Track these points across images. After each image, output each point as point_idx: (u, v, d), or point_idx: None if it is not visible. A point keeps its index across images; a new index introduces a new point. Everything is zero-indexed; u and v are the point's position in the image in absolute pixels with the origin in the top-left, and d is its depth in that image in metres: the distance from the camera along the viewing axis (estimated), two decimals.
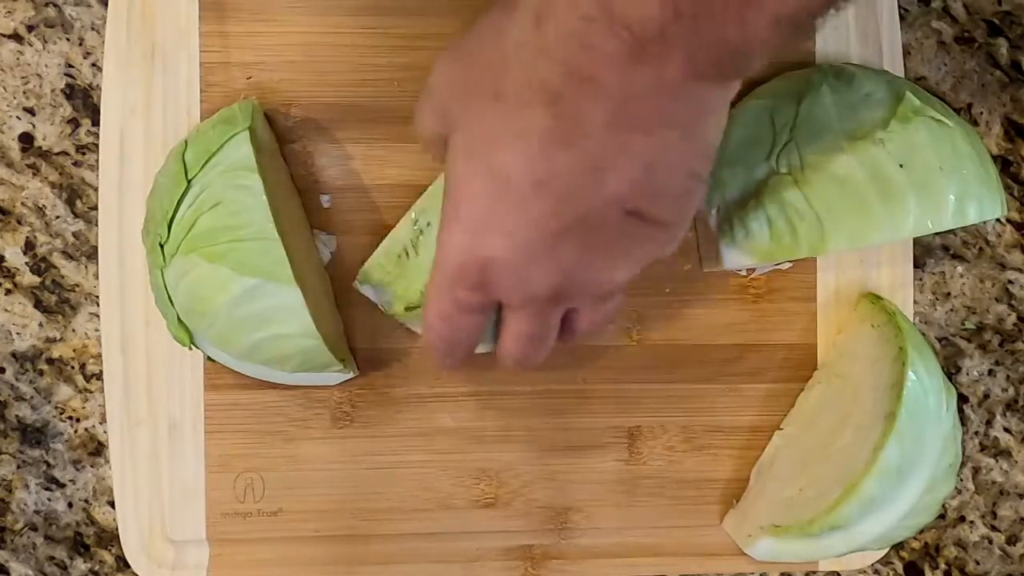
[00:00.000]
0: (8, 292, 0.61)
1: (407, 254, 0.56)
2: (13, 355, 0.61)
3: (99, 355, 0.61)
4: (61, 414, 0.61)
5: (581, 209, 0.45)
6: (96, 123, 0.60)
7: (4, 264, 0.61)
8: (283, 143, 0.60)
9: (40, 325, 0.61)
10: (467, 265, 0.48)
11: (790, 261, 0.63)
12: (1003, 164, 0.66)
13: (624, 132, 0.43)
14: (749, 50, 0.41)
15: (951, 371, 0.66)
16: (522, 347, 0.51)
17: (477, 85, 0.46)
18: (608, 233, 0.47)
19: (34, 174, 0.61)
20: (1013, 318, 0.66)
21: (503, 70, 0.45)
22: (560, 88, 0.43)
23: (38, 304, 0.61)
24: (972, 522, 0.66)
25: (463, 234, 0.47)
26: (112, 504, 0.61)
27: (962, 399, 0.66)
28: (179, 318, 0.54)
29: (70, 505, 0.61)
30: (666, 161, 0.45)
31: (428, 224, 0.55)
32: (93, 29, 0.61)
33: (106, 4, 0.59)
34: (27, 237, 0.61)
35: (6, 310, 0.61)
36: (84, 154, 0.61)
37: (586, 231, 0.46)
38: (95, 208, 0.61)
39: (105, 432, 0.61)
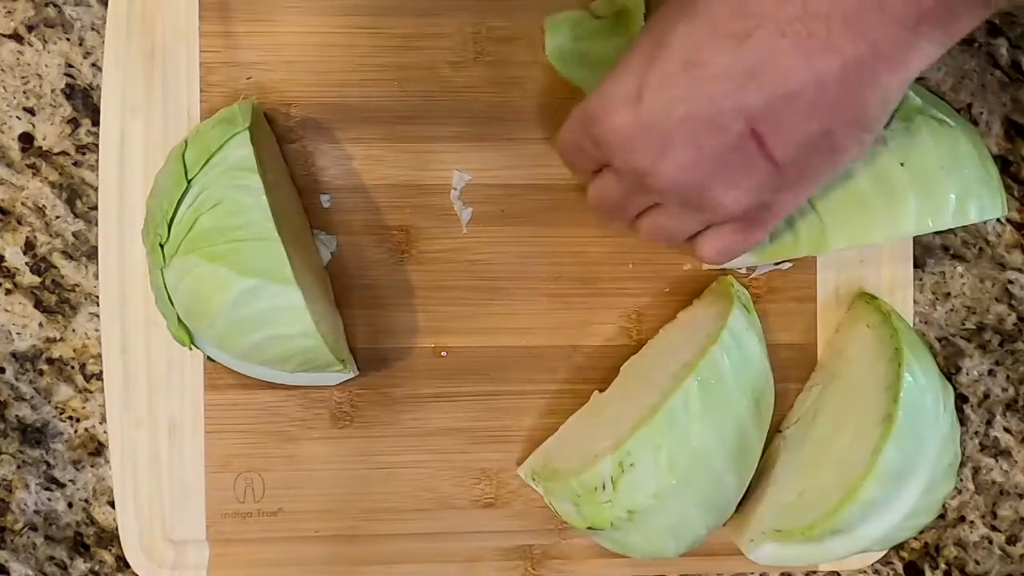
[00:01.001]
0: (8, 292, 0.61)
1: (604, 487, 0.56)
2: (13, 355, 0.61)
3: (99, 355, 0.61)
4: (61, 414, 0.61)
5: (711, 107, 0.45)
6: (96, 123, 0.60)
7: (4, 264, 0.61)
8: (283, 143, 0.60)
9: (40, 325, 0.61)
10: (594, 114, 0.49)
11: (790, 260, 0.63)
12: (1003, 164, 0.66)
13: (796, 47, 0.43)
14: None
15: (951, 371, 0.66)
16: (648, 231, 0.54)
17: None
18: (724, 143, 0.46)
19: (34, 174, 0.61)
20: (1013, 318, 0.66)
21: None
22: None
23: (38, 304, 0.61)
24: (972, 522, 0.66)
25: (610, 84, 0.48)
26: (112, 504, 0.61)
27: (962, 399, 0.66)
28: (179, 318, 0.54)
29: (70, 505, 0.61)
30: (815, 101, 0.44)
31: (632, 465, 0.55)
32: (93, 29, 0.61)
33: (106, 4, 0.59)
34: (27, 237, 0.61)
35: (6, 310, 0.61)
36: (84, 154, 0.61)
37: (706, 131, 0.46)
38: (95, 208, 0.61)
39: (105, 432, 0.61)
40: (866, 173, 0.56)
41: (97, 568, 0.62)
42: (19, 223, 0.61)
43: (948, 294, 0.66)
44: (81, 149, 0.61)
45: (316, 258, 0.60)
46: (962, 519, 0.66)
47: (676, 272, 0.63)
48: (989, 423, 0.66)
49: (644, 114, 0.47)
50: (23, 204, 0.61)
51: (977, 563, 0.67)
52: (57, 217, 0.61)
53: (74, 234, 0.61)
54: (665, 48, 0.46)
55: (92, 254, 0.61)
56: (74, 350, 0.61)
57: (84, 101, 0.61)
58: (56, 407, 0.61)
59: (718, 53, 0.45)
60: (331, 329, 0.58)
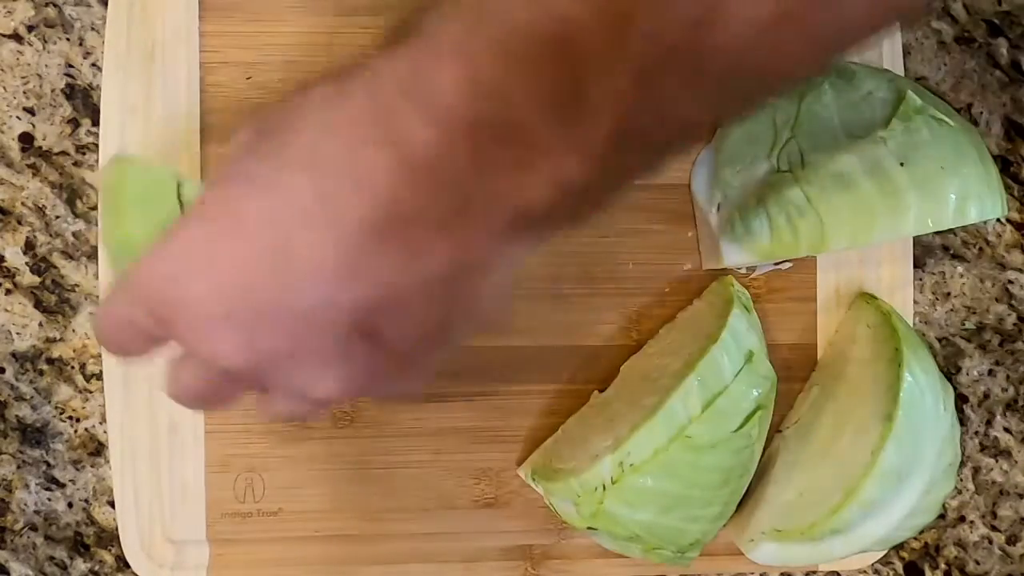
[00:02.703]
0: (8, 292, 0.61)
1: (604, 487, 0.56)
2: (13, 355, 0.61)
3: (99, 355, 0.61)
4: (61, 414, 0.61)
5: (305, 300, 0.38)
6: (96, 123, 0.60)
7: (4, 264, 0.61)
8: None
9: (40, 325, 0.61)
10: (158, 284, 0.40)
11: (790, 260, 0.63)
12: (1003, 164, 0.66)
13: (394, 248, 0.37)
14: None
15: (951, 371, 0.66)
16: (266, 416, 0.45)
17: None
18: (321, 337, 0.39)
19: (34, 174, 0.61)
20: (1013, 318, 0.66)
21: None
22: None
23: (38, 304, 0.61)
24: (972, 522, 0.66)
25: (178, 244, 0.39)
26: (112, 504, 0.61)
27: (962, 399, 0.66)
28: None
29: (70, 505, 0.61)
30: (425, 300, 0.39)
31: (632, 465, 0.55)
32: (93, 29, 0.61)
33: (106, 4, 0.59)
34: (27, 237, 0.61)
35: (6, 310, 0.61)
36: (84, 154, 0.61)
37: (300, 323, 0.39)
38: (95, 208, 0.60)
39: (105, 432, 0.61)
40: (866, 173, 0.56)
41: (97, 568, 0.62)
42: (19, 223, 0.61)
43: (948, 294, 0.66)
44: (81, 149, 0.61)
45: None
46: (962, 519, 0.66)
47: (676, 272, 0.63)
48: (989, 423, 0.66)
49: (224, 291, 0.39)
50: (23, 204, 0.61)
51: (977, 563, 0.67)
52: (57, 217, 0.61)
53: (74, 234, 0.61)
54: (243, 225, 0.38)
55: (92, 254, 0.61)
56: (74, 350, 0.61)
57: (84, 101, 0.61)
58: (56, 407, 0.61)
59: (309, 246, 0.37)
60: None
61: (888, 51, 0.63)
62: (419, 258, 0.38)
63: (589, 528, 0.57)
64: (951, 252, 0.66)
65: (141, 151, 0.59)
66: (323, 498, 0.61)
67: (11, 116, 0.60)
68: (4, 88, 0.60)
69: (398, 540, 0.61)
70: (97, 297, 0.60)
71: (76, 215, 0.61)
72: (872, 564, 0.65)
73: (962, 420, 0.66)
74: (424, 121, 0.36)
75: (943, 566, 0.66)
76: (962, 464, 0.66)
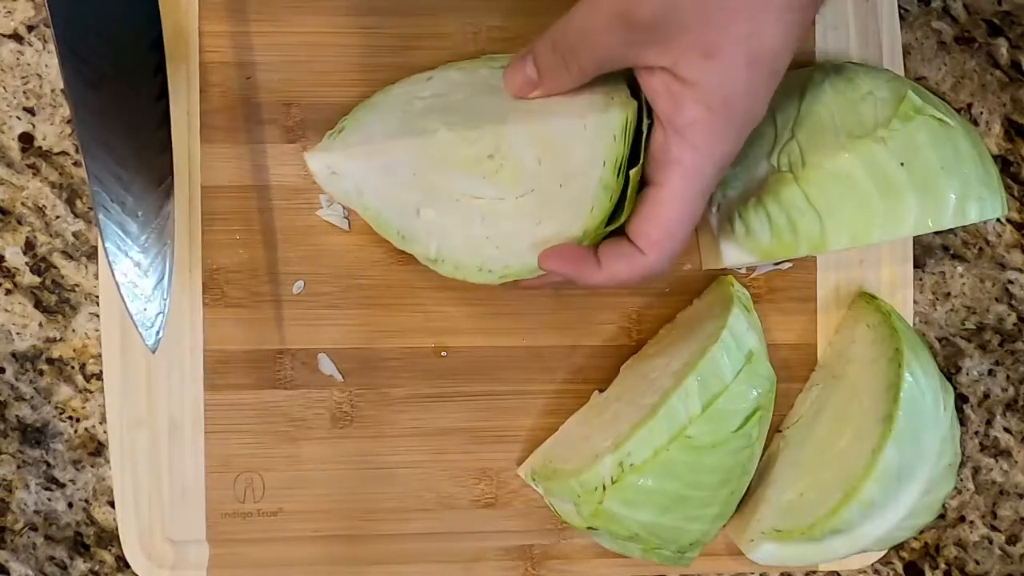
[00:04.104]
0: (8, 292, 0.61)
1: (603, 487, 0.55)
2: (13, 355, 0.61)
3: (99, 355, 0.61)
4: (61, 414, 0.61)
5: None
6: None
7: (4, 264, 0.61)
8: (283, 143, 0.60)
9: (40, 325, 0.61)
10: (727, 163, 0.51)
11: (790, 260, 0.63)
12: (1003, 164, 0.66)
13: None
14: None
15: (951, 371, 0.66)
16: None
17: None
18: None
19: (34, 174, 0.61)
20: (1013, 318, 0.66)
21: None
22: None
23: (38, 304, 0.61)
24: (972, 522, 0.66)
25: None
26: (112, 504, 0.61)
27: (962, 399, 0.66)
28: None
29: (70, 505, 0.61)
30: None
31: (632, 465, 0.55)
32: None
33: None
34: (27, 237, 0.61)
35: (6, 310, 0.61)
36: None
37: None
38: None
39: (105, 432, 0.61)
40: (866, 173, 0.56)
41: (97, 568, 0.62)
42: (19, 223, 0.61)
43: (948, 294, 0.66)
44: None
45: None
46: (962, 519, 0.66)
47: (676, 272, 0.63)
48: (989, 423, 0.66)
49: None
50: (23, 204, 0.61)
51: (977, 563, 0.67)
52: (57, 217, 0.61)
53: (74, 234, 0.61)
54: None
55: (92, 254, 0.61)
56: (74, 350, 0.61)
57: None
58: (56, 407, 0.61)
59: None
60: None
61: (888, 51, 0.63)
62: None
63: (589, 528, 0.57)
64: (951, 252, 0.66)
65: None
66: (323, 498, 0.61)
67: (11, 116, 0.60)
68: (4, 88, 0.60)
69: (398, 540, 0.61)
70: (97, 297, 0.60)
71: (76, 215, 0.61)
72: (872, 564, 0.65)
73: (962, 420, 0.66)
74: None
75: (943, 566, 0.66)
76: (962, 464, 0.66)
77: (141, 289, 0.52)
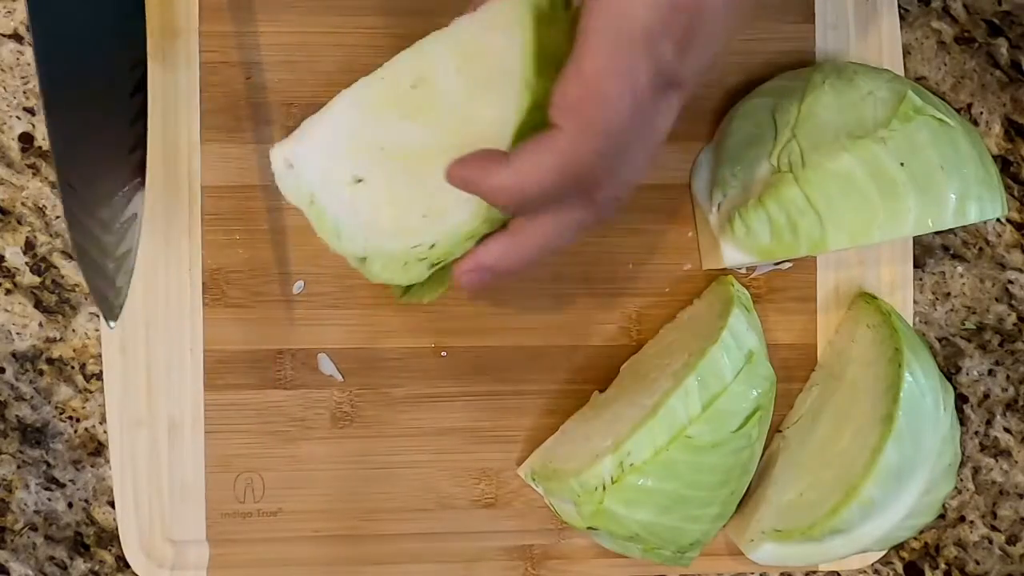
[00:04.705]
0: (8, 292, 0.61)
1: (603, 487, 0.55)
2: (13, 355, 0.61)
3: (99, 355, 0.61)
4: (61, 414, 0.61)
5: None
6: None
7: (4, 264, 0.61)
8: None
9: (40, 325, 0.61)
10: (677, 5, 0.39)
11: (790, 260, 0.63)
12: (1003, 164, 0.66)
13: None
14: None
15: (951, 371, 0.66)
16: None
17: None
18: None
19: (34, 174, 0.61)
20: (1013, 318, 0.66)
21: None
22: None
23: (38, 304, 0.61)
24: (972, 522, 0.66)
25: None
26: (112, 504, 0.61)
27: (962, 399, 0.66)
28: None
29: (70, 505, 0.61)
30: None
31: (632, 465, 0.55)
32: None
33: None
34: (27, 237, 0.61)
35: (6, 310, 0.61)
36: None
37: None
38: None
39: (105, 432, 0.61)
40: (866, 173, 0.56)
41: (97, 568, 0.62)
42: (19, 223, 0.61)
43: (948, 294, 0.66)
44: None
45: None
46: (962, 519, 0.66)
47: (676, 272, 0.63)
48: (989, 423, 0.66)
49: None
50: (23, 204, 0.61)
51: (977, 563, 0.67)
52: (57, 217, 0.61)
53: None
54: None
55: None
56: (74, 350, 0.61)
57: None
58: (56, 407, 0.61)
59: None
60: None
61: (888, 51, 0.63)
62: None
63: (589, 528, 0.57)
64: (951, 252, 0.66)
65: None
66: (323, 498, 0.61)
67: (11, 116, 0.60)
68: (4, 88, 0.60)
69: (398, 540, 0.61)
70: None
71: None
72: (872, 564, 0.65)
73: (962, 420, 0.66)
74: None
75: (943, 566, 0.66)
76: (962, 464, 0.66)
77: (103, 265, 0.50)
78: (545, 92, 0.43)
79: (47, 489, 0.61)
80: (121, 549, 0.60)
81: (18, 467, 0.61)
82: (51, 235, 0.61)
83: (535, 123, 0.44)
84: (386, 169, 0.49)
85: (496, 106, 0.47)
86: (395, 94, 0.48)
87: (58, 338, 0.61)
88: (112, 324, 0.50)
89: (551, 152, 0.41)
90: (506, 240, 0.47)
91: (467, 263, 0.48)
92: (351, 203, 0.49)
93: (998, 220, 0.66)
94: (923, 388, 0.58)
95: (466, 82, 0.47)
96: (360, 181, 0.49)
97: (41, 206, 0.61)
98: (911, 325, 0.63)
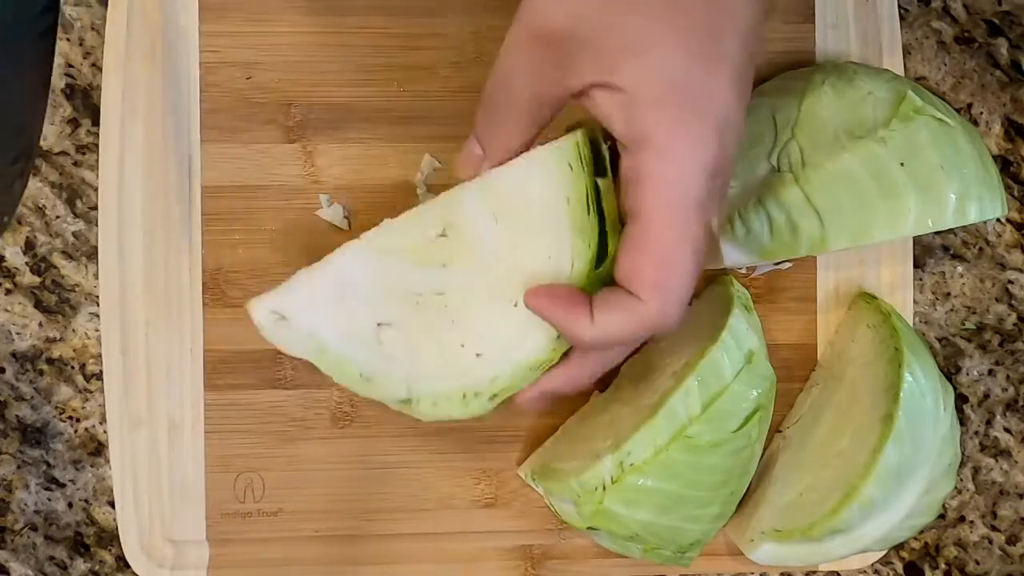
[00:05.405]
0: (8, 292, 0.61)
1: (603, 487, 0.55)
2: (13, 355, 0.61)
3: (99, 355, 0.61)
4: (61, 414, 0.61)
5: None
6: (96, 123, 0.60)
7: (4, 264, 0.61)
8: (283, 143, 0.60)
9: (40, 325, 0.61)
10: (719, 167, 0.43)
11: (790, 260, 0.63)
12: (1003, 164, 0.66)
13: None
14: None
15: (951, 371, 0.66)
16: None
17: None
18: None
19: (34, 174, 0.61)
20: (1013, 318, 0.66)
21: None
22: None
23: (38, 304, 0.61)
24: (972, 522, 0.66)
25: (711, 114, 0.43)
26: (112, 504, 0.61)
27: (962, 399, 0.66)
28: None
29: (70, 505, 0.61)
30: None
31: (632, 465, 0.55)
32: (93, 29, 0.61)
33: (106, 4, 0.59)
34: (27, 237, 0.61)
35: (6, 310, 0.61)
36: (84, 154, 0.61)
37: None
38: (95, 208, 0.61)
39: (105, 432, 0.61)
40: (866, 173, 0.56)
41: (97, 568, 0.62)
42: (19, 223, 0.61)
43: (948, 294, 0.66)
44: (81, 149, 0.61)
45: None
46: (962, 519, 0.66)
47: None
48: (989, 423, 0.66)
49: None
50: (23, 204, 0.61)
51: (977, 563, 0.67)
52: (57, 217, 0.61)
53: (74, 234, 0.61)
54: None
55: (92, 254, 0.61)
56: (74, 350, 0.61)
57: (84, 101, 0.61)
58: (56, 407, 0.61)
59: None
60: None
61: (888, 51, 0.63)
62: None
63: (589, 528, 0.57)
64: (951, 252, 0.66)
65: (141, 151, 0.59)
66: (323, 498, 0.61)
67: None
68: None
69: (398, 540, 0.61)
70: (97, 297, 0.60)
71: (76, 215, 0.61)
72: (872, 564, 0.65)
73: (962, 420, 0.66)
74: None
75: (943, 566, 0.66)
76: (962, 464, 0.66)
77: None
78: (594, 228, 0.46)
79: (47, 489, 0.61)
80: (121, 549, 0.60)
81: (18, 467, 0.61)
82: (51, 235, 0.61)
83: (601, 275, 0.46)
84: (419, 312, 0.47)
85: (547, 256, 0.47)
86: (417, 242, 0.48)
87: (58, 338, 0.61)
88: None
89: (637, 318, 0.45)
90: (574, 367, 0.49)
91: (532, 391, 0.49)
92: (379, 348, 0.47)
93: (998, 220, 0.66)
94: (923, 388, 0.58)
95: (507, 230, 0.47)
96: (386, 325, 0.47)
97: (41, 206, 0.61)
98: (911, 325, 0.63)
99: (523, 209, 0.47)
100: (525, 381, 0.48)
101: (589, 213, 0.47)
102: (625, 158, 0.44)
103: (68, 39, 0.61)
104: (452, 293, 0.47)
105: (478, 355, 0.47)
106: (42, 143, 0.61)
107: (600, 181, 0.47)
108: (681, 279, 0.44)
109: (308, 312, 0.47)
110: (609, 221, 0.47)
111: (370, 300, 0.47)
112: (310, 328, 0.47)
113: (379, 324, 0.47)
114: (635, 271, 0.44)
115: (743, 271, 0.63)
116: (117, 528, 0.60)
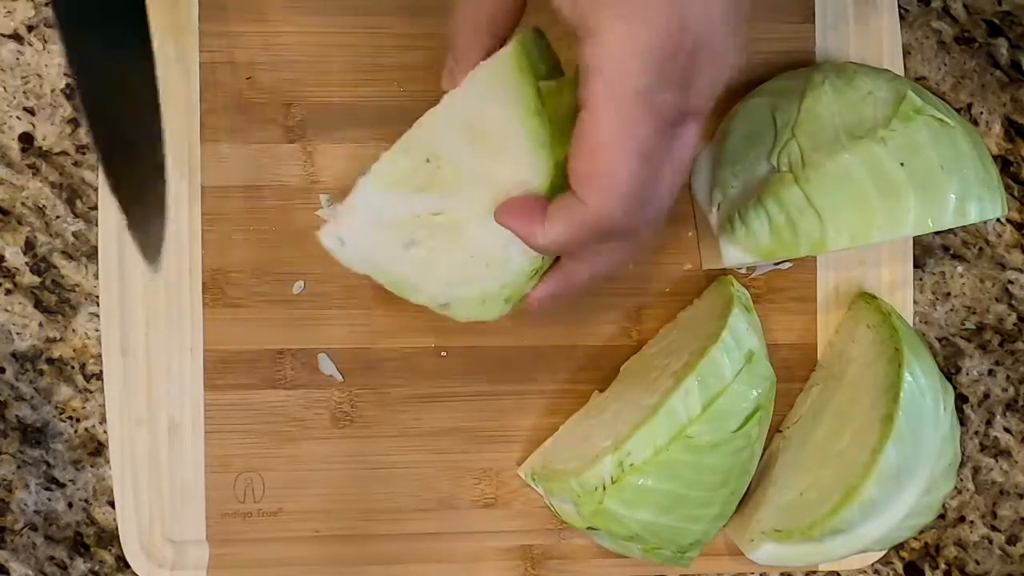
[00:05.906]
0: (8, 292, 0.61)
1: (603, 487, 0.55)
2: (13, 355, 0.61)
3: (99, 355, 0.61)
4: (61, 414, 0.61)
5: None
6: None
7: (4, 264, 0.61)
8: (283, 143, 0.60)
9: (40, 325, 0.61)
10: (671, 49, 0.39)
11: (790, 260, 0.63)
12: (1003, 164, 0.66)
13: None
14: None
15: (951, 371, 0.66)
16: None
17: None
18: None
19: (34, 174, 0.61)
20: (1013, 318, 0.66)
21: None
22: None
23: (38, 304, 0.61)
24: (972, 522, 0.66)
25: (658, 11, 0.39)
26: (112, 504, 0.61)
27: (962, 399, 0.66)
28: None
29: (70, 505, 0.61)
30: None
31: (632, 465, 0.55)
32: None
33: None
34: (27, 237, 0.61)
35: (6, 310, 0.61)
36: (84, 154, 0.61)
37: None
38: (95, 208, 0.61)
39: (105, 432, 0.61)
40: (866, 173, 0.56)
41: (97, 568, 0.62)
42: (19, 223, 0.61)
43: (948, 294, 0.66)
44: (81, 149, 0.61)
45: None
46: (962, 519, 0.66)
47: (676, 272, 0.63)
48: (989, 423, 0.66)
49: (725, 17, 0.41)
50: (23, 204, 0.61)
51: (977, 563, 0.67)
52: (57, 217, 0.61)
53: (74, 234, 0.61)
54: None
55: (92, 254, 0.61)
56: (74, 350, 0.61)
57: None
58: (56, 407, 0.61)
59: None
60: None
61: (888, 51, 0.63)
62: None
63: (589, 528, 0.57)
64: (951, 252, 0.66)
65: None
66: (323, 498, 0.61)
67: (11, 116, 0.60)
68: (4, 88, 0.60)
69: (398, 540, 0.61)
70: (97, 297, 0.60)
71: (76, 215, 0.61)
72: (872, 564, 0.65)
73: (962, 420, 0.66)
74: None
75: (943, 566, 0.66)
76: (962, 464, 0.66)
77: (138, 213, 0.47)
78: (563, 151, 0.46)
79: (47, 489, 0.61)
80: (121, 549, 0.60)
81: (18, 467, 0.61)
82: (51, 235, 0.61)
83: (562, 182, 0.46)
84: (432, 233, 0.51)
85: (516, 169, 0.49)
86: (411, 172, 0.50)
87: (58, 338, 0.61)
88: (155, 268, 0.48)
89: (579, 219, 0.43)
90: (558, 278, 0.50)
91: (534, 294, 0.52)
92: (413, 264, 0.51)
93: (998, 220, 0.66)
94: (923, 388, 0.58)
95: (481, 153, 0.49)
96: (413, 244, 0.51)
97: (41, 206, 0.61)
98: (911, 325, 0.63)
99: (488, 130, 0.49)
100: (528, 286, 0.52)
101: (540, 117, 0.47)
102: (576, 48, 0.41)
103: None
104: (450, 213, 0.50)
105: (487, 266, 0.51)
106: (42, 143, 0.61)
107: (542, 84, 0.48)
108: (619, 175, 0.41)
109: (356, 235, 0.51)
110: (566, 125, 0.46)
111: (393, 225, 0.51)
112: (362, 249, 0.51)
113: (406, 244, 0.51)
114: (572, 170, 0.43)
115: (743, 271, 0.63)
116: (117, 528, 0.60)
